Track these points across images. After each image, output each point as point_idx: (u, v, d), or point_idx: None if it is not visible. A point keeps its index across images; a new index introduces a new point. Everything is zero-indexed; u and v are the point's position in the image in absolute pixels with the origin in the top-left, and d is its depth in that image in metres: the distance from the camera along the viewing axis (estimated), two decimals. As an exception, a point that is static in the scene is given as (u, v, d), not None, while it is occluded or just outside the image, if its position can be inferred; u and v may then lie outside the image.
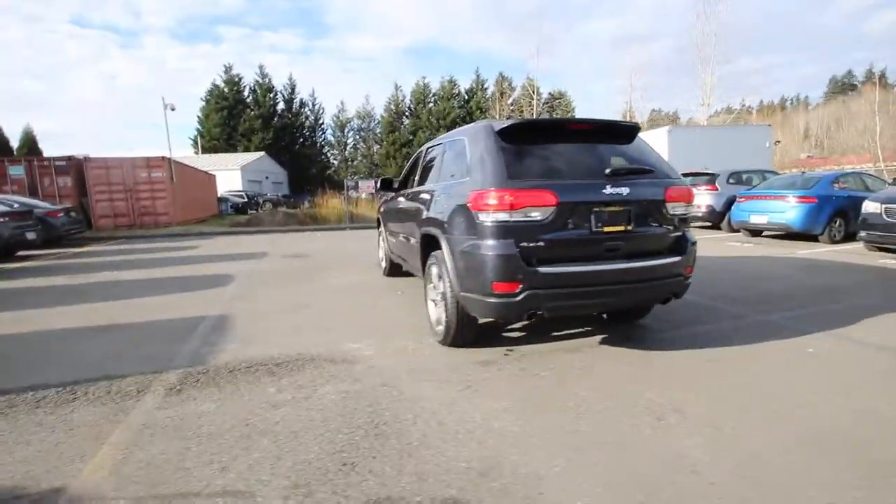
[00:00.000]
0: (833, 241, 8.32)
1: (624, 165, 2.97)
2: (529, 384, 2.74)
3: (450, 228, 3.07)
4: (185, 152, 40.04)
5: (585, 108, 50.78)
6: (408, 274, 6.08)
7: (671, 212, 2.99)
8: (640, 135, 3.28)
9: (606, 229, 2.79)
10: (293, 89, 44.77)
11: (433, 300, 3.63)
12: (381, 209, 5.94)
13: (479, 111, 42.92)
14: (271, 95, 43.16)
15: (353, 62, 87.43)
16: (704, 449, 2.03)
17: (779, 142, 18.85)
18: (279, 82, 51.04)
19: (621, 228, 2.83)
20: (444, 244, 3.12)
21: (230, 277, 6.46)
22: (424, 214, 3.66)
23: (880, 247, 6.94)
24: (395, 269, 5.95)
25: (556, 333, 3.66)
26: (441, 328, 3.41)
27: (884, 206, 6.58)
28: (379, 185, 5.47)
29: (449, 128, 42.61)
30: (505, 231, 2.69)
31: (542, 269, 2.67)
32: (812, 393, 2.57)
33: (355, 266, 7.24)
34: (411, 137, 43.57)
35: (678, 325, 3.84)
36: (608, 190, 2.77)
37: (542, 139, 3.01)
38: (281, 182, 42.26)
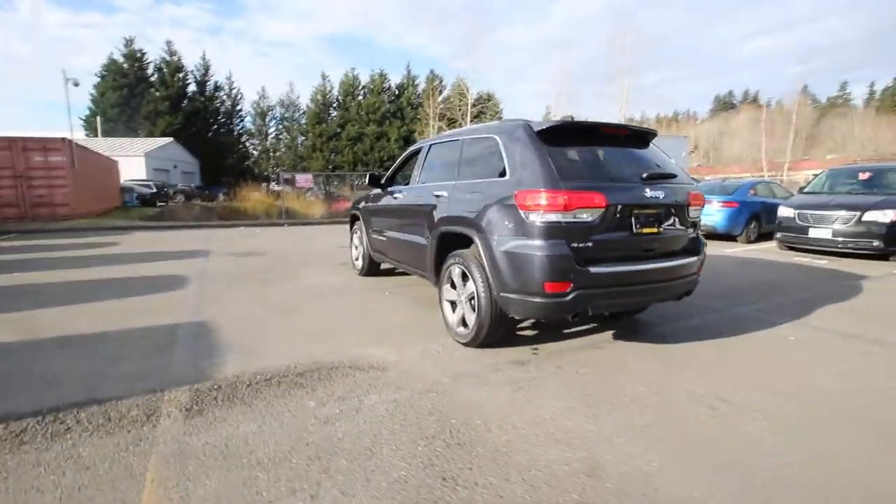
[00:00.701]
0: (749, 241, 9.49)
1: (656, 170, 3.12)
2: (576, 382, 2.79)
3: (488, 228, 3.01)
4: (74, 135, 34.91)
5: (510, 110, 53.05)
6: (385, 273, 5.92)
7: (691, 215, 3.21)
8: None
9: (644, 231, 2.93)
10: (206, 70, 41.05)
11: (450, 301, 3.55)
12: (362, 206, 5.67)
13: (409, 107, 42.65)
14: (181, 76, 39.15)
15: (268, 46, 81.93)
16: (767, 432, 2.22)
17: (693, 151, 21.06)
18: (190, 62, 46.75)
19: (655, 230, 2.98)
20: (479, 244, 3.06)
21: (182, 279, 5.78)
22: (442, 213, 3.55)
23: (791, 246, 8.05)
24: (372, 269, 5.73)
25: (566, 331, 3.77)
26: (464, 329, 3.35)
27: (797, 211, 7.65)
28: (368, 180, 5.21)
29: (379, 122, 41.93)
30: (558, 231, 2.71)
31: (593, 269, 2.73)
32: (817, 375, 2.91)
33: (321, 266, 6.85)
34: (339, 130, 42.14)
35: (669, 319, 4.13)
36: (648, 193, 2.90)
37: (576, 141, 3.07)
38: (192, 172, 38.62)
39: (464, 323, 3.40)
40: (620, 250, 2.90)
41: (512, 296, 2.89)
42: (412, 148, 4.93)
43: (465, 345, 3.34)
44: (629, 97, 31.55)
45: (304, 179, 17.18)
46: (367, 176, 5.21)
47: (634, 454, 2.03)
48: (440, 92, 40.01)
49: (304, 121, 43.70)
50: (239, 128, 44.00)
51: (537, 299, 2.78)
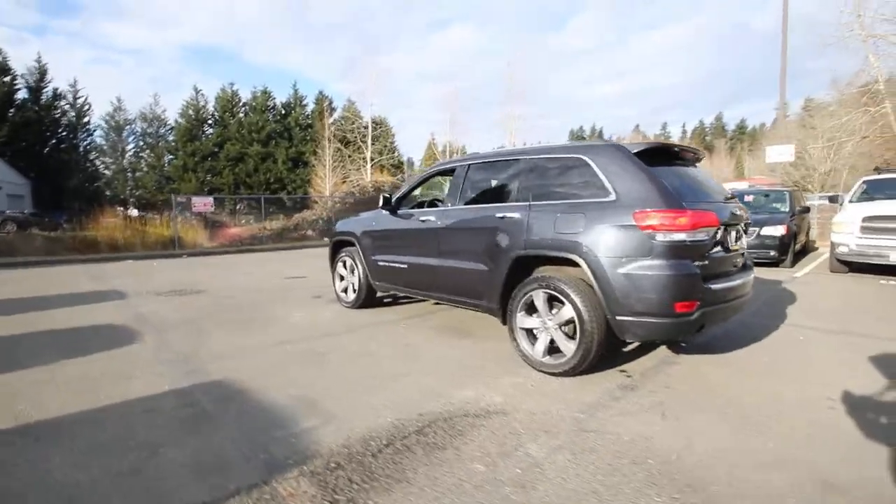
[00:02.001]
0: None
1: (721, 189, 3.35)
2: (698, 400, 2.79)
3: (597, 249, 2.91)
4: None
5: (400, 137, 53.72)
6: (378, 304, 5.40)
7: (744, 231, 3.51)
8: None
9: (734, 248, 3.11)
10: (42, 76, 33.99)
11: (527, 329, 3.35)
12: (358, 232, 5.10)
13: (298, 127, 40.58)
14: (6, 80, 31.86)
15: (114, 53, 70.91)
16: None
17: None
18: (20, 64, 38.58)
19: (738, 247, 3.18)
20: (587, 266, 2.93)
21: (124, 329, 4.54)
22: (518, 236, 3.35)
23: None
24: (368, 300, 5.19)
25: (625, 350, 3.79)
26: (554, 359, 3.18)
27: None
28: (381, 203, 4.70)
29: (264, 142, 39.08)
30: (684, 251, 2.73)
31: (713, 286, 2.80)
32: (851, 367, 3.34)
33: (291, 300, 5.98)
34: (217, 150, 38.19)
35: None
36: (737, 212, 3.10)
37: (662, 162, 3.15)
38: (20, 195, 31.34)
39: (552, 351, 3.22)
40: (723, 266, 3.04)
41: (633, 318, 2.82)
42: (435, 169, 4.63)
43: (558, 374, 3.15)
44: (514, 126, 34.29)
45: (202, 203, 15.00)
46: (381, 198, 4.72)
47: (855, 458, 2.08)
48: (331, 113, 38.93)
49: (172, 137, 38.69)
50: (86, 143, 37.15)
51: (665, 320, 2.75)
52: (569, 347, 3.09)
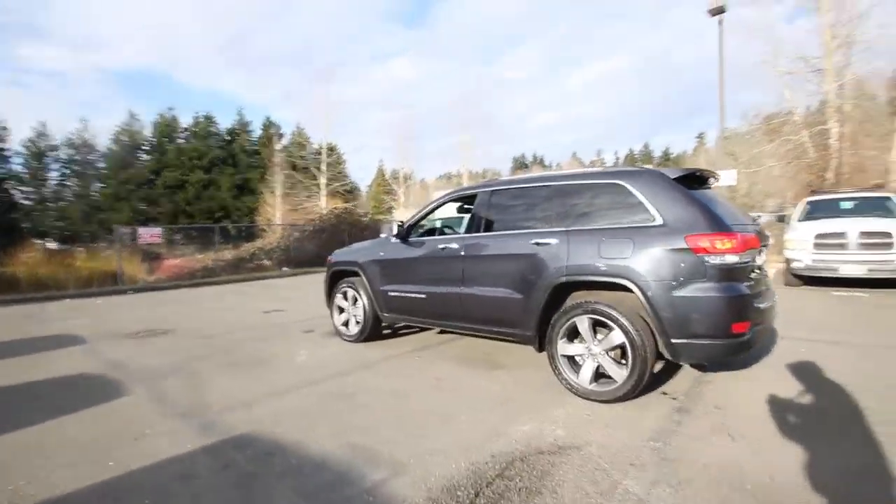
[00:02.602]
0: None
1: (737, 211, 3.52)
2: (751, 416, 2.84)
3: (649, 274, 2.93)
4: None
5: (352, 163, 52.79)
6: (384, 336, 5.15)
7: None
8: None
9: (761, 268, 3.25)
10: (-55, 96, 30.61)
11: (568, 356, 3.30)
12: (362, 261, 4.87)
13: (244, 154, 39.12)
14: None
15: (27, 75, 65.15)
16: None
17: None
18: None
19: (761, 269, 3.34)
20: (640, 290, 2.94)
21: (102, 379, 3.98)
22: (558, 262, 3.31)
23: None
24: (374, 333, 4.94)
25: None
26: (601, 386, 3.15)
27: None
28: (395, 233, 4.52)
29: (207, 169, 37.26)
30: (735, 273, 2.82)
31: (759, 306, 2.89)
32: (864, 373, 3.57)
33: (283, 338, 5.55)
34: (153, 177, 35.89)
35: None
36: (763, 232, 3.25)
37: (693, 186, 3.27)
38: (-85, 229, 27.53)
39: (599, 377, 3.18)
40: (761, 286, 3.16)
41: (690, 340, 2.85)
42: (450, 196, 4.52)
43: (606, 401, 3.10)
44: (466, 154, 35.19)
45: (149, 234, 13.84)
46: (395, 227, 4.53)
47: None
48: (279, 139, 37.98)
49: (102, 164, 35.90)
50: (1, 171, 33.53)
51: (722, 341, 2.81)
52: (619, 373, 3.06)
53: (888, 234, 7.06)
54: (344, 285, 5.13)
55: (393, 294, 4.56)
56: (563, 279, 3.30)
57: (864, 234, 7.36)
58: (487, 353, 4.46)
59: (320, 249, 18.65)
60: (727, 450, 2.46)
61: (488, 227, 3.92)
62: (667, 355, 3.01)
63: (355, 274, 5.02)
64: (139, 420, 3.06)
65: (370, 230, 21.49)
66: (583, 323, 3.22)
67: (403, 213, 40.53)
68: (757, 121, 22.72)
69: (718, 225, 2.87)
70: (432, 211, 4.58)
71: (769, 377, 3.57)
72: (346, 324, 5.17)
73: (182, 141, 38.14)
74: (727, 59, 13.71)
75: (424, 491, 2.14)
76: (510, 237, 3.71)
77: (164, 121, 37.54)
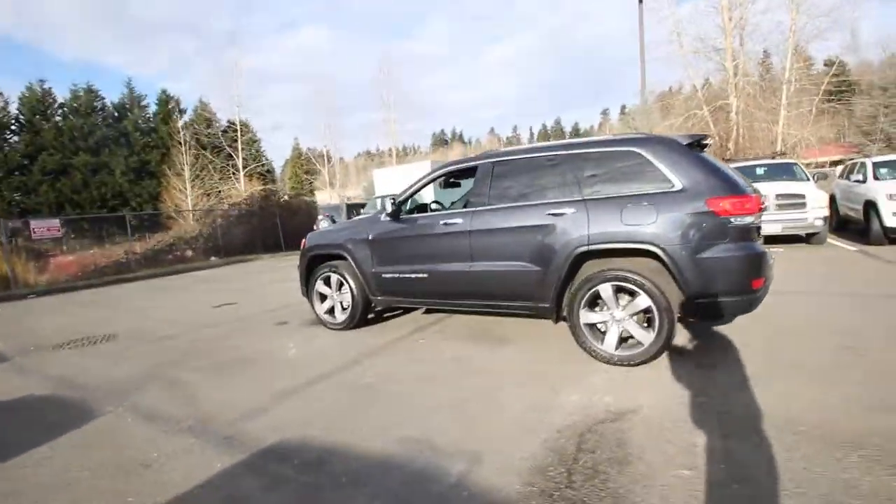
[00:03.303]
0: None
1: None
2: (767, 364, 3.09)
3: (675, 237, 3.01)
4: None
5: (266, 143, 48.30)
6: (374, 321, 4.90)
7: None
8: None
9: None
10: None
11: (590, 324, 3.34)
12: (347, 244, 4.51)
13: (138, 132, 34.63)
14: None
15: None
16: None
17: None
18: None
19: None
20: (667, 254, 3.02)
21: (62, 400, 3.34)
22: (577, 231, 3.30)
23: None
24: (363, 319, 4.67)
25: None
26: (627, 350, 3.24)
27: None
28: (390, 214, 4.20)
29: (94, 151, 32.59)
30: (752, 232, 2.99)
31: (770, 262, 3.11)
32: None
33: (257, 332, 5.05)
34: (26, 162, 30.66)
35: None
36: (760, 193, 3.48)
37: (698, 150, 3.40)
38: None
39: (622, 342, 3.26)
40: (764, 246, 3.39)
41: (713, 300, 2.99)
42: (444, 170, 4.28)
43: (634, 364, 3.20)
44: (389, 131, 34.50)
45: (45, 228, 11.76)
46: (389, 203, 4.21)
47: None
48: (181, 115, 34.16)
49: (-45, 148, 29.83)
50: None
51: (744, 297, 2.98)
52: (646, 336, 3.16)
53: (801, 196, 8.03)
54: (325, 270, 4.74)
55: (388, 276, 4.30)
56: (585, 248, 3.29)
57: (780, 195, 8.28)
58: (487, 329, 4.40)
59: (251, 235, 17.37)
60: (770, 397, 2.62)
61: (494, 200, 3.80)
62: (688, 315, 3.15)
63: (339, 257, 4.66)
64: (136, 443, 2.59)
65: (302, 213, 20.38)
66: (606, 290, 3.25)
67: (328, 194, 38.86)
68: (653, 97, 24.69)
69: (736, 188, 3.02)
70: (424, 186, 4.35)
71: (769, 325, 3.88)
72: (330, 311, 4.82)
73: (60, 119, 32.90)
74: (631, 38, 14.53)
75: (516, 476, 2.05)
76: (522, 209, 3.62)
77: (33, 95, 32.03)
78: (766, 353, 3.30)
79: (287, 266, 12.65)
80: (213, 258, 14.97)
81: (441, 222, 3.99)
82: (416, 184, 4.39)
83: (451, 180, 4.97)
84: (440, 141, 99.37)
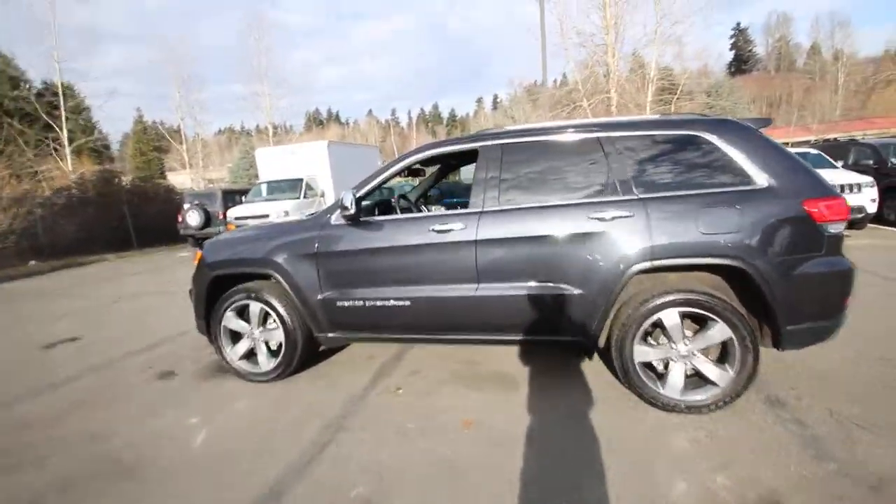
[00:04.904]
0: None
1: None
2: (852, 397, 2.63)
3: (772, 250, 2.34)
4: None
5: (99, 114, 38.28)
6: (317, 361, 3.56)
7: None
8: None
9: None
10: None
11: (645, 363, 2.58)
12: (278, 259, 3.06)
13: None
14: None
15: None
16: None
17: (384, 160, 22.56)
18: None
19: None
20: (758, 273, 2.33)
21: None
22: (632, 244, 2.46)
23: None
24: (302, 361, 3.31)
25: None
26: (694, 393, 2.52)
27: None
28: (347, 216, 2.83)
29: None
30: (840, 241, 2.43)
31: (851, 276, 2.63)
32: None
33: (129, 393, 3.31)
34: None
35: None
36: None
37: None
38: None
39: (688, 387, 2.55)
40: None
41: (808, 324, 2.41)
42: (426, 153, 3.04)
43: (703, 411, 2.50)
44: (270, 104, 30.89)
45: None
46: (343, 200, 2.82)
47: None
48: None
49: None
50: None
51: (833, 321, 2.44)
52: (722, 375, 2.47)
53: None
54: (239, 297, 3.23)
55: (346, 304, 3.00)
56: (647, 264, 2.47)
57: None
58: (471, 363, 3.39)
59: (88, 229, 13.70)
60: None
61: (507, 197, 2.76)
62: (768, 346, 2.54)
63: (263, 277, 3.20)
64: None
65: (159, 200, 16.80)
66: (672, 318, 2.49)
67: (187, 177, 33.30)
68: (521, 88, 25.70)
69: (828, 188, 2.45)
70: (393, 176, 3.11)
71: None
72: (248, 356, 3.33)
73: None
74: (504, 27, 14.43)
75: None
76: (553, 211, 2.65)
77: None
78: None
79: (144, 271, 10.00)
80: (32, 262, 11.26)
81: (430, 228, 2.82)
82: (381, 171, 3.12)
83: (417, 169, 3.80)
84: (315, 121, 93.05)
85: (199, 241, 12.36)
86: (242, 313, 3.30)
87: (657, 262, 2.47)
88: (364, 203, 3.18)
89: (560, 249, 2.61)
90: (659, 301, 2.48)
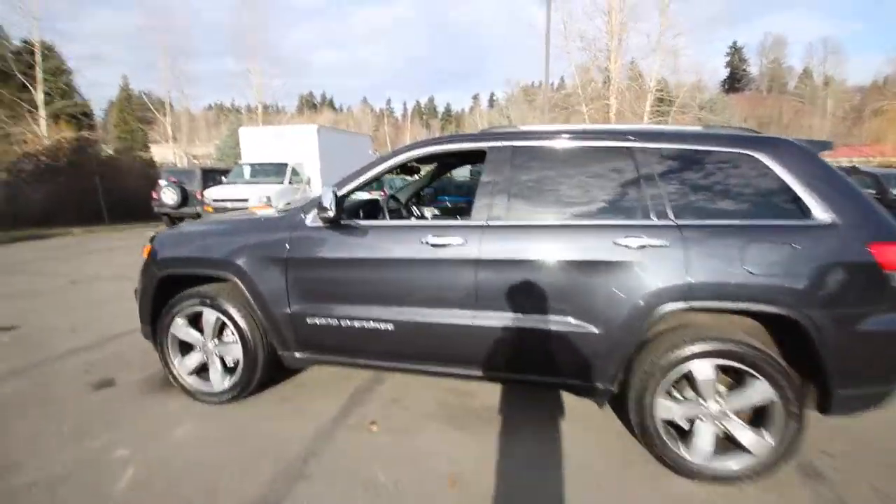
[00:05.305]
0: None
1: None
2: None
3: (830, 299, 1.95)
4: None
5: (82, 80, 36.19)
6: (266, 384, 3.06)
7: None
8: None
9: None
10: None
11: (668, 420, 2.18)
12: (257, 260, 2.59)
13: None
14: None
15: None
16: None
17: (376, 150, 21.79)
18: None
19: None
20: (815, 325, 1.94)
21: None
22: (664, 277, 2.05)
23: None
24: (262, 381, 2.84)
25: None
26: (727, 462, 2.13)
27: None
28: (328, 216, 2.34)
29: None
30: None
31: None
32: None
33: (59, 406, 2.79)
34: None
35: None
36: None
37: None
38: None
39: (723, 447, 2.16)
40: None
41: (859, 391, 2.04)
42: (425, 150, 2.56)
43: (732, 481, 2.12)
44: (262, 83, 29.97)
45: None
46: (328, 195, 2.35)
47: None
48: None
49: None
50: None
51: (891, 385, 2.07)
52: (758, 442, 2.09)
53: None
54: (192, 302, 2.74)
55: (318, 322, 2.53)
56: (683, 305, 2.06)
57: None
58: (457, 392, 2.97)
59: (57, 201, 12.91)
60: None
61: (516, 210, 2.33)
62: (811, 409, 2.17)
63: (221, 280, 2.71)
64: None
65: (135, 174, 15.98)
66: (704, 371, 2.09)
67: (170, 150, 32.15)
68: (518, 88, 25.43)
69: (890, 226, 2.06)
70: (383, 173, 2.64)
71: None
72: (199, 372, 2.85)
73: None
74: (504, 25, 14.03)
75: None
76: (572, 231, 2.23)
77: None
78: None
79: (108, 248, 9.34)
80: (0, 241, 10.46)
81: (424, 240, 2.37)
82: (370, 167, 2.65)
83: (411, 166, 3.34)
84: (308, 104, 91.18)
85: (174, 221, 11.69)
86: (195, 321, 2.81)
87: (695, 304, 2.07)
88: (347, 201, 2.72)
89: (577, 278, 2.19)
90: (692, 349, 2.08)
